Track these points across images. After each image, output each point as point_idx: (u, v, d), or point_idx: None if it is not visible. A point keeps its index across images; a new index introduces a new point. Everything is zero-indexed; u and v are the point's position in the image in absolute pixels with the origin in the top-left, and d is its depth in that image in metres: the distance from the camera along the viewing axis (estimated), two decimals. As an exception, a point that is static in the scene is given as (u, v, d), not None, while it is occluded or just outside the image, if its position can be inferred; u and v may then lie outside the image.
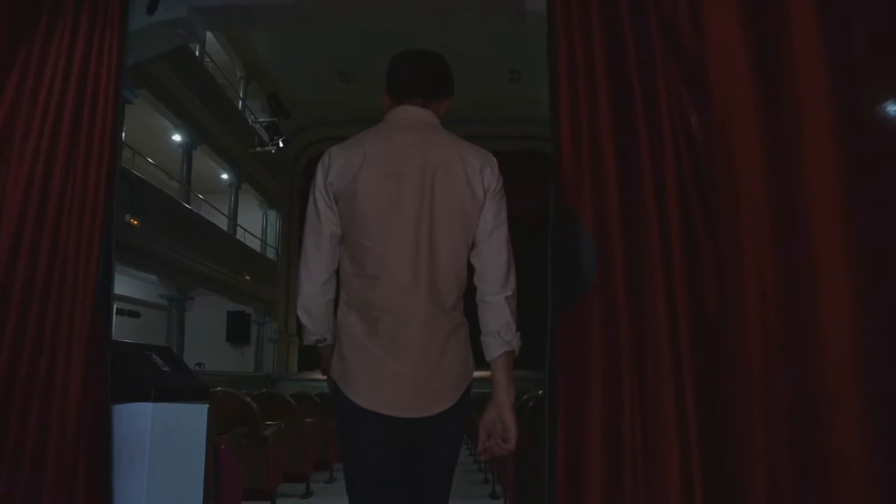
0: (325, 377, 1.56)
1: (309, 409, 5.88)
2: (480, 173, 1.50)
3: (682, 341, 1.77)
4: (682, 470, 1.68)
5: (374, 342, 1.41)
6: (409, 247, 1.43)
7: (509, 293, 1.47)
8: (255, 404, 4.03)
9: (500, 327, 1.45)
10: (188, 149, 11.74)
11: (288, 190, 17.07)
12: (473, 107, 16.93)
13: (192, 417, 2.69)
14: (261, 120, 14.10)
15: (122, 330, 13.44)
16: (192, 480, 2.65)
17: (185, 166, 11.61)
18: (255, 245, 15.43)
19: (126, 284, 13.00)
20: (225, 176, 14.22)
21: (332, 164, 1.49)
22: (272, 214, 16.49)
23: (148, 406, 2.27)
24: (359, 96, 15.88)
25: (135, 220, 8.67)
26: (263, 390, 5.23)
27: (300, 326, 1.55)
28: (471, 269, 1.54)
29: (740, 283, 1.64)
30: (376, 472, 1.44)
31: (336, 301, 1.53)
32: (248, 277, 13.65)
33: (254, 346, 15.72)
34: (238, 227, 14.48)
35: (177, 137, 11.82)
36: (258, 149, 14.08)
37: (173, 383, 2.52)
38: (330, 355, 1.51)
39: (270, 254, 16.16)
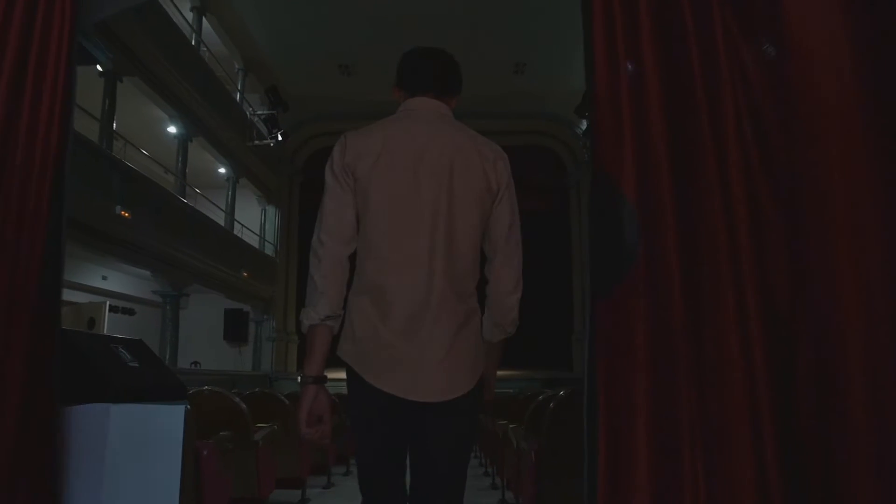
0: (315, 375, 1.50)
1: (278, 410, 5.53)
2: (494, 165, 1.53)
3: (751, 331, 1.44)
4: (757, 485, 1.35)
5: (387, 326, 1.42)
6: (426, 232, 1.44)
7: (520, 294, 1.55)
8: (244, 405, 3.69)
9: (506, 322, 1.55)
10: (183, 140, 11.39)
11: (287, 185, 16.71)
12: (476, 101, 16.53)
13: (165, 420, 2.35)
14: (259, 113, 13.77)
15: (116, 327, 13.12)
16: (166, 492, 2.31)
17: (180, 158, 11.26)
18: (253, 241, 15.08)
19: (119, 280, 12.68)
20: (223, 170, 13.89)
21: (350, 147, 1.50)
22: (271, 210, 16.14)
23: (107, 408, 1.94)
24: (360, 89, 15.55)
25: (125, 212, 8.34)
26: (256, 389, 4.90)
27: (306, 304, 1.51)
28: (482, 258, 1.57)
29: (833, 268, 1.30)
30: (388, 453, 1.48)
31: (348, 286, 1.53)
32: (245, 274, 13.31)
33: (252, 345, 15.39)
34: (236, 223, 14.14)
35: (172, 129, 11.48)
36: (256, 142, 13.74)
37: (141, 381, 2.19)
38: (326, 342, 1.48)
39: (269, 250, 15.82)
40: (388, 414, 1.46)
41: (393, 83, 1.63)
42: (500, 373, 1.65)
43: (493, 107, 16.30)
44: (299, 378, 1.51)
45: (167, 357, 10.41)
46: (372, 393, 1.43)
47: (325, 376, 1.48)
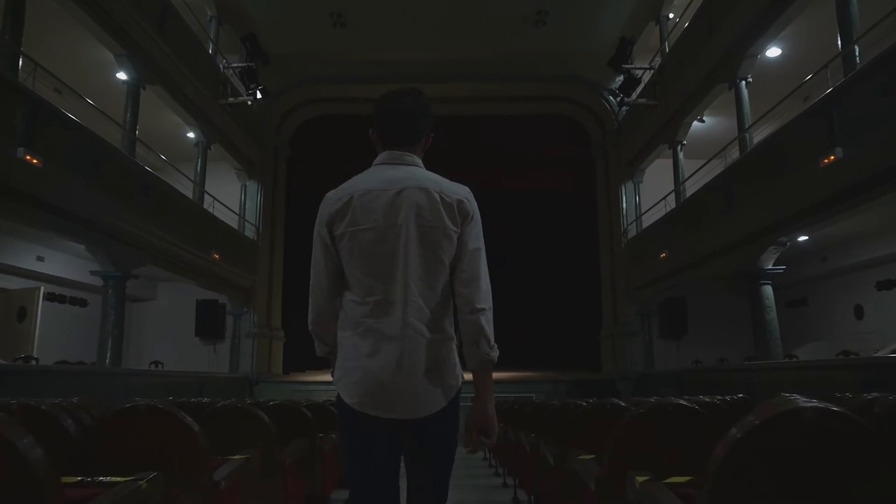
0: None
1: (254, 432, 3.36)
2: (457, 207, 1.70)
3: None
4: None
5: (371, 358, 1.63)
6: (395, 276, 1.64)
7: (482, 307, 1.68)
8: (39, 455, 1.52)
9: (476, 340, 1.67)
10: (134, 86, 9.21)
11: (272, 158, 14.53)
12: (489, 62, 14.40)
13: None
14: (234, 65, 11.61)
15: (62, 321, 10.95)
16: None
17: (129, 107, 9.08)
18: (231, 221, 12.85)
19: (60, 262, 10.47)
20: (191, 134, 11.70)
21: (329, 209, 1.71)
22: (252, 186, 13.95)
23: None
24: (354, 45, 13.37)
25: (33, 157, 6.16)
26: (153, 401, 2.72)
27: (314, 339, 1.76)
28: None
29: None
30: (377, 471, 1.66)
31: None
32: (216, 256, 11.11)
33: (229, 343, 13.19)
34: (211, 199, 11.94)
35: (122, 76, 9.33)
36: (231, 100, 11.58)
37: None
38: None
39: (250, 232, 13.62)
40: (376, 434, 1.64)
41: (372, 126, 1.81)
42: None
43: (508, 69, 14.13)
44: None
45: (108, 355, 8.23)
46: (360, 418, 1.64)
47: None
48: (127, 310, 13.22)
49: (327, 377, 1.77)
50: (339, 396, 1.68)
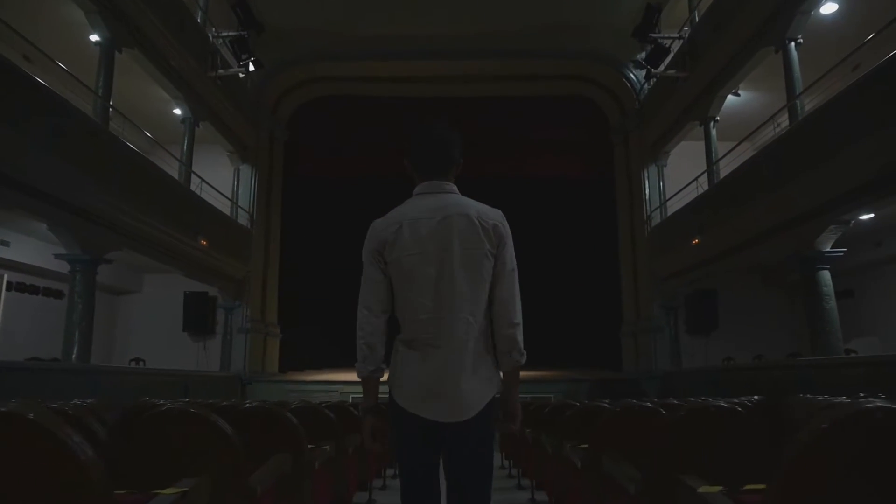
0: (360, 414, 1.98)
1: (210, 447, 2.33)
2: (493, 231, 1.89)
3: None
4: None
5: (418, 365, 1.85)
6: (441, 295, 1.84)
7: (517, 322, 1.91)
8: None
9: (510, 351, 1.90)
10: (107, 48, 8.20)
11: (268, 142, 13.51)
12: (500, 35, 13.30)
13: None
14: (224, 34, 10.61)
15: (34, 315, 9.95)
16: None
17: (101, 71, 8.07)
18: (222, 207, 11.84)
19: (29, 248, 9.44)
20: (178, 111, 10.69)
21: (378, 236, 1.90)
22: (246, 170, 12.94)
23: None
24: (356, 18, 12.33)
25: (-28, 111, 5.17)
26: (55, 408, 1.73)
27: (358, 359, 1.90)
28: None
29: None
30: (418, 460, 1.90)
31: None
32: (203, 242, 10.10)
33: (220, 339, 12.17)
34: (199, 181, 10.93)
35: (94, 37, 8.32)
36: (220, 72, 10.57)
37: None
38: (377, 384, 1.95)
39: (243, 219, 12.61)
40: (425, 433, 1.86)
41: (405, 156, 2.00)
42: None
43: (521, 44, 13.06)
44: (358, 409, 2.15)
45: (75, 350, 7.21)
46: (411, 418, 1.85)
47: (379, 405, 1.97)
48: (111, 303, 12.26)
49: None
50: (393, 402, 1.89)
